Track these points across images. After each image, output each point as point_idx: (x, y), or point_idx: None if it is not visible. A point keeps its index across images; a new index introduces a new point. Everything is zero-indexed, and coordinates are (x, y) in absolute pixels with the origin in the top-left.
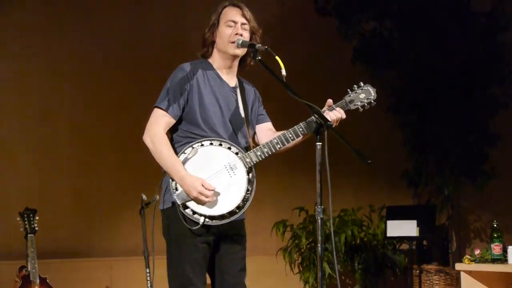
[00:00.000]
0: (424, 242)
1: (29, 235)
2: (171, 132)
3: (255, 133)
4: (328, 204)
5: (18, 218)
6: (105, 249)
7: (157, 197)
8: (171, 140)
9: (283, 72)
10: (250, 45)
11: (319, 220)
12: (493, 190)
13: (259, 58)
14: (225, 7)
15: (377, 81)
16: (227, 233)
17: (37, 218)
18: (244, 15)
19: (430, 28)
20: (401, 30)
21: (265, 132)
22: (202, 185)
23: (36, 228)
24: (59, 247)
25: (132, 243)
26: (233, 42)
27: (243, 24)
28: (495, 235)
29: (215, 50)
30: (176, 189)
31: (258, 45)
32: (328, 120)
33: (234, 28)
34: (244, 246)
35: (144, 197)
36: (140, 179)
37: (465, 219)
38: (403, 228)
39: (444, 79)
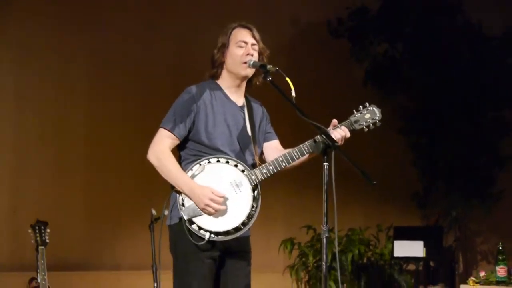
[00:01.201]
0: (431, 263)
1: (40, 247)
2: (179, 150)
3: (262, 151)
4: (336, 223)
5: (29, 230)
6: (113, 262)
7: (166, 212)
8: (179, 158)
9: (293, 93)
10: (261, 66)
11: (324, 239)
12: (501, 212)
13: (270, 78)
14: (234, 28)
15: (388, 103)
16: (232, 249)
17: (48, 230)
18: (254, 36)
19: (441, 51)
20: (413, 53)
21: (272, 149)
22: (212, 193)
23: (47, 241)
24: (69, 259)
25: (141, 257)
26: (245, 63)
27: (253, 44)
28: (500, 257)
29: (224, 71)
30: (183, 205)
31: (269, 66)
32: (335, 141)
33: (244, 49)
34: (249, 262)
35: (153, 212)
36: (151, 194)
37: (473, 241)
38: (410, 249)
39: (454, 101)
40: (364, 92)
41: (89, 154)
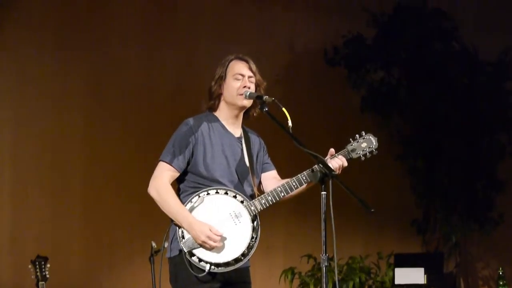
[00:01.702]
0: None
1: (40, 282)
2: (178, 182)
3: (260, 181)
4: (336, 252)
5: (29, 266)
6: None
7: (166, 244)
8: (178, 190)
9: (289, 123)
10: (257, 97)
11: (324, 268)
12: (502, 237)
13: (266, 109)
14: (231, 60)
15: (385, 129)
16: (233, 281)
17: (48, 265)
18: (250, 68)
19: (437, 77)
20: (409, 79)
21: (270, 180)
22: (210, 230)
23: (47, 276)
24: None
25: None
26: (241, 94)
27: (249, 77)
28: (501, 282)
29: (222, 102)
30: (183, 237)
31: (266, 97)
32: (332, 170)
33: (241, 81)
34: None
35: (153, 244)
36: (151, 227)
37: (474, 266)
38: (411, 276)
39: (451, 126)
40: (362, 119)
41: (87, 186)
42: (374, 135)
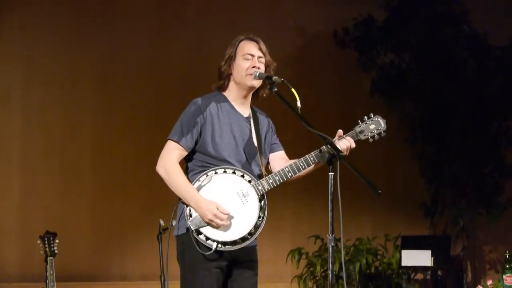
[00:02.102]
0: (439, 272)
1: (48, 258)
2: (187, 161)
3: (268, 161)
4: (344, 233)
5: (38, 241)
6: (122, 273)
7: (173, 222)
8: (186, 169)
9: (298, 104)
10: (267, 77)
11: (330, 248)
12: (509, 221)
13: (276, 90)
14: (241, 40)
15: (395, 113)
16: (239, 259)
17: (57, 241)
18: (260, 49)
19: (447, 61)
20: (419, 63)
21: (278, 160)
22: (217, 209)
23: (56, 251)
24: (78, 270)
25: (149, 268)
26: (250, 74)
27: (259, 57)
28: (508, 266)
29: (231, 82)
30: (191, 215)
31: (275, 77)
32: (340, 151)
33: (251, 61)
34: (256, 272)
35: (161, 222)
36: (158, 205)
37: (481, 250)
38: (417, 258)
39: (460, 111)
40: (371, 102)
41: (96, 165)
42: (384, 118)
